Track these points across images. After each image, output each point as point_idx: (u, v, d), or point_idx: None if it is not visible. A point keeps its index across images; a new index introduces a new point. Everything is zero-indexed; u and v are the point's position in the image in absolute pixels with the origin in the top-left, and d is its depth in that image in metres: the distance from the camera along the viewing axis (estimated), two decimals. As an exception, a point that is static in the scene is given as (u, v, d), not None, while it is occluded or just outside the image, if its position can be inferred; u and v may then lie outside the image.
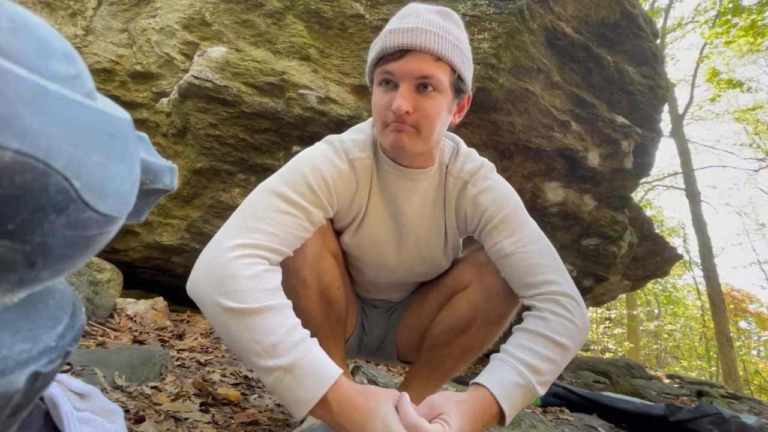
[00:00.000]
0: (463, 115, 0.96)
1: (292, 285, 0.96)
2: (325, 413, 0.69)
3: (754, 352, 16.23)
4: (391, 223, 1.00)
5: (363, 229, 1.00)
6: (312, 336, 1.01)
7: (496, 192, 0.96)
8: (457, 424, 0.70)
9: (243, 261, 0.74)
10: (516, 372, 0.80)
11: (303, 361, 0.69)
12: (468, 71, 0.88)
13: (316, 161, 0.90)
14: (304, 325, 1.00)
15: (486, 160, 1.03)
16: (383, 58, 0.83)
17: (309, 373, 0.69)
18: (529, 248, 0.89)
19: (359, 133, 0.99)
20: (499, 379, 0.80)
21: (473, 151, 1.03)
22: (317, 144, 0.97)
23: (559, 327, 0.82)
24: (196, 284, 0.75)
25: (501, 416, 0.77)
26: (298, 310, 0.98)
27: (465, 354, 1.01)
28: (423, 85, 0.82)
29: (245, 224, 0.79)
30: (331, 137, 0.98)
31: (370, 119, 1.04)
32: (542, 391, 0.81)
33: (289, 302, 0.78)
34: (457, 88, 0.87)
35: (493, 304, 0.97)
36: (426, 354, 1.05)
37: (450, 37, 0.83)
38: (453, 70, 0.84)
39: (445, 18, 0.85)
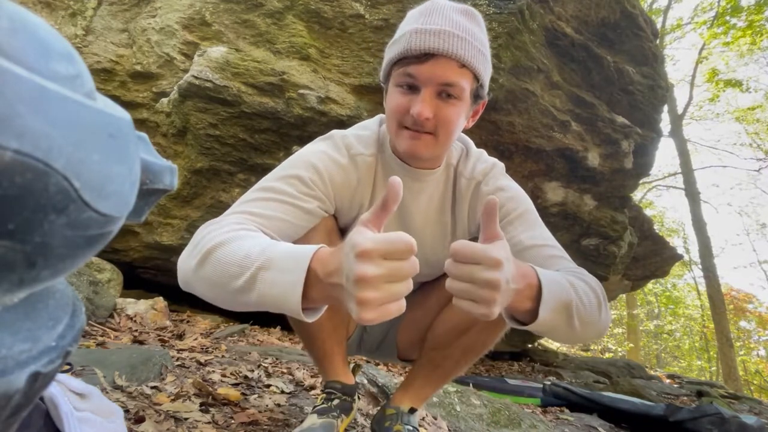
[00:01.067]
0: (476, 120, 0.95)
1: None
2: (318, 285, 0.59)
3: (755, 353, 16.22)
4: (396, 224, 0.98)
5: None
6: (314, 338, 1.01)
7: (511, 191, 0.96)
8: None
9: (217, 226, 0.72)
10: (560, 275, 0.74)
11: (277, 251, 0.63)
12: (488, 77, 0.87)
13: (309, 156, 0.89)
14: (305, 327, 1.00)
15: (497, 160, 1.02)
16: (405, 59, 0.80)
17: (288, 256, 0.61)
18: (548, 243, 0.89)
19: (364, 130, 0.98)
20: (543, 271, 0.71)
21: (483, 152, 1.02)
22: (316, 141, 0.96)
23: (588, 282, 0.77)
24: (179, 270, 0.72)
25: (538, 294, 0.66)
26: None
27: (466, 355, 1.00)
28: (445, 92, 0.80)
29: (232, 208, 0.78)
30: (334, 132, 0.96)
31: (377, 117, 1.03)
32: (574, 313, 0.70)
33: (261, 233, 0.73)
34: (476, 95, 0.85)
35: None
36: (427, 354, 1.04)
37: (475, 42, 0.80)
38: (476, 77, 0.82)
39: (470, 19, 0.82)
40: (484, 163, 0.99)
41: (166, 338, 1.97)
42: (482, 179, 0.97)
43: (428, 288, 1.10)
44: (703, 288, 12.87)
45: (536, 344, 6.10)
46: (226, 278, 0.64)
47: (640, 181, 5.55)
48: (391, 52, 0.84)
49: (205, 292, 0.69)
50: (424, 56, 0.78)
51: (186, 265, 0.70)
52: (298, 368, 1.76)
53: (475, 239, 1.02)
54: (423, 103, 0.79)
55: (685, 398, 4.05)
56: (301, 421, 1.04)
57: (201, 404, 1.10)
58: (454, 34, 0.78)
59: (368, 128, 0.99)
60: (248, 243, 0.66)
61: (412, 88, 0.81)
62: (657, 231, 5.23)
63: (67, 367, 0.53)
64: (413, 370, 1.08)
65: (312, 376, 1.67)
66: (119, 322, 2.08)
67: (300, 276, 0.58)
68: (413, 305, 1.13)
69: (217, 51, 2.45)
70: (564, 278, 0.74)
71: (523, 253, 0.88)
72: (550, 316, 0.68)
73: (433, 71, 0.78)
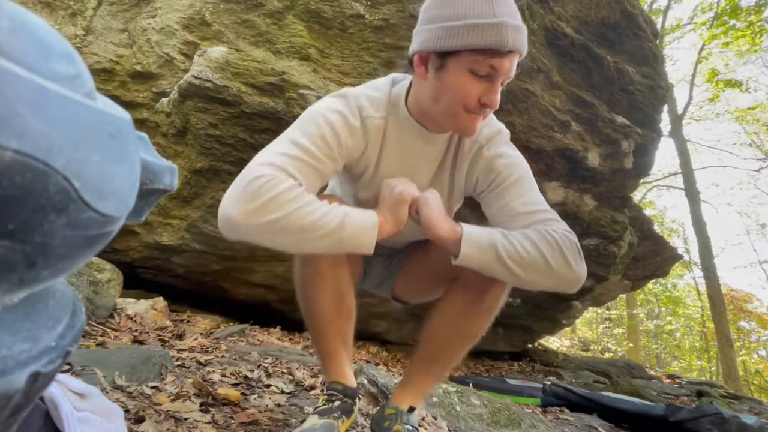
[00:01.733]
0: None
1: (308, 275, 1.00)
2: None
3: (755, 355, 16.21)
4: None
5: (375, 184, 1.03)
6: (321, 331, 1.05)
7: (510, 158, 1.00)
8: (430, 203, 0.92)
9: (269, 182, 0.80)
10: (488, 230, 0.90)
11: (348, 208, 0.85)
12: None
13: (330, 115, 0.92)
14: (315, 318, 1.03)
15: (503, 126, 1.06)
16: (491, 51, 0.82)
17: (359, 215, 0.85)
18: (539, 208, 0.94)
19: (376, 92, 1.00)
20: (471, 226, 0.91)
21: (492, 116, 1.06)
22: (332, 97, 0.98)
23: (540, 239, 0.87)
24: (234, 215, 0.78)
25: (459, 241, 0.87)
26: (312, 301, 1.01)
27: (462, 343, 1.03)
28: (502, 82, 0.87)
29: (269, 159, 0.84)
30: (348, 91, 0.99)
31: (389, 77, 1.05)
32: (503, 254, 0.85)
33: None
34: None
35: (486, 291, 0.98)
36: (425, 348, 1.06)
37: None
38: None
39: None
40: (490, 128, 1.03)
41: (166, 338, 1.97)
42: (485, 143, 1.01)
43: (426, 248, 1.16)
44: (703, 288, 12.87)
45: (536, 344, 6.10)
46: (315, 227, 0.80)
47: (640, 181, 5.55)
48: (472, 35, 0.82)
49: (271, 236, 0.80)
50: (509, 52, 0.83)
51: (251, 219, 0.77)
52: (298, 368, 1.76)
53: (469, 199, 1.10)
54: (496, 94, 0.87)
55: (685, 398, 4.04)
56: (302, 421, 1.04)
57: (201, 404, 1.10)
58: (523, 29, 0.84)
59: (380, 90, 1.01)
60: (320, 203, 0.83)
61: (486, 77, 0.85)
62: (657, 231, 5.22)
63: (67, 367, 0.53)
64: (411, 367, 1.10)
65: (312, 376, 1.67)
66: (119, 322, 2.08)
67: (375, 216, 0.87)
68: (412, 259, 1.21)
69: (217, 51, 2.45)
70: (500, 233, 0.88)
71: (516, 219, 0.94)
72: (476, 253, 0.86)
73: (510, 67, 0.85)
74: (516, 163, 1.00)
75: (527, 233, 0.88)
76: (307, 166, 0.87)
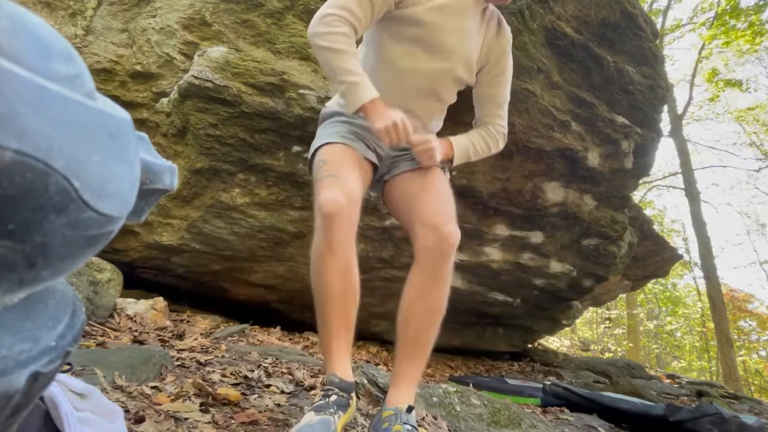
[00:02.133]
0: None
1: (321, 249, 1.05)
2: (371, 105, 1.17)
3: (755, 355, 16.19)
4: (456, 24, 1.30)
5: (423, 23, 1.27)
6: (327, 307, 1.09)
7: (510, 59, 1.41)
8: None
9: (334, 21, 1.16)
10: (467, 140, 1.39)
11: (365, 78, 1.17)
12: None
13: None
14: (323, 293, 1.08)
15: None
16: None
17: (366, 88, 1.16)
18: (505, 104, 1.42)
19: None
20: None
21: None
22: None
23: (490, 139, 1.41)
24: (309, 32, 1.19)
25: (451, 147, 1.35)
26: (321, 275, 1.06)
27: (432, 317, 1.15)
28: None
29: (340, 2, 1.18)
30: None
31: None
32: (472, 155, 1.39)
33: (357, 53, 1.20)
34: None
35: (434, 265, 1.16)
36: (402, 336, 1.16)
37: None
38: None
39: None
40: (504, 23, 1.40)
41: (166, 338, 1.97)
42: (503, 30, 1.39)
43: (423, 179, 1.35)
44: (703, 288, 12.86)
45: (536, 344, 6.10)
46: (338, 72, 1.15)
47: (640, 181, 5.54)
48: None
49: (319, 52, 1.18)
50: None
51: (316, 38, 1.17)
52: (298, 368, 1.76)
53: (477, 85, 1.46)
54: None
55: (685, 398, 4.04)
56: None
57: (201, 404, 1.10)
58: None
59: None
60: (356, 61, 1.17)
61: None
62: (657, 231, 5.23)
63: (67, 367, 0.53)
64: (396, 361, 1.16)
65: (312, 376, 1.67)
66: (119, 322, 2.08)
67: (373, 93, 1.16)
68: (408, 171, 1.39)
69: (217, 51, 2.45)
70: (470, 141, 1.38)
71: (491, 106, 1.41)
72: (461, 160, 1.37)
73: None
74: (510, 65, 1.41)
75: (482, 134, 1.40)
76: (368, 3, 1.18)
